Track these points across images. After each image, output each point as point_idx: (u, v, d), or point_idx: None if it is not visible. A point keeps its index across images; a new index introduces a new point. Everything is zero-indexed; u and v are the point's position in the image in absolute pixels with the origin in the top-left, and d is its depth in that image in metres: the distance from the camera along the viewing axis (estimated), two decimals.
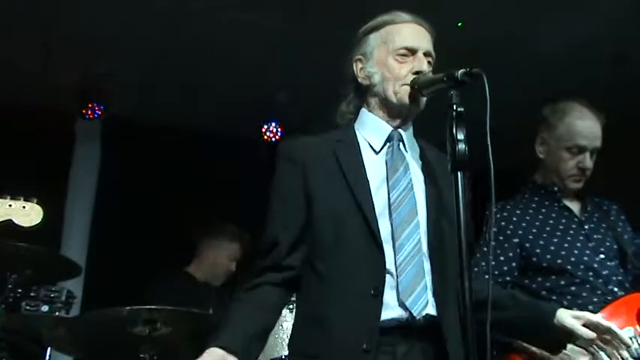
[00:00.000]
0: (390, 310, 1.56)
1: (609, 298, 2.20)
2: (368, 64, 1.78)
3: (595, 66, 4.58)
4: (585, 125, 2.30)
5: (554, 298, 2.20)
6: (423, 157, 1.79)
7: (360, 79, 1.80)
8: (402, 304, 1.56)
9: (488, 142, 1.49)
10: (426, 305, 1.57)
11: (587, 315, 1.70)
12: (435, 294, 1.60)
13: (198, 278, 3.89)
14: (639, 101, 4.78)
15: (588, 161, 2.31)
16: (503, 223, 2.29)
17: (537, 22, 4.32)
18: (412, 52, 1.75)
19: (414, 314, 1.55)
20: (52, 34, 4.48)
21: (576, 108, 2.33)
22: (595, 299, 2.19)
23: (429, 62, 1.76)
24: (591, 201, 2.40)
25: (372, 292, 1.55)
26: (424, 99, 1.75)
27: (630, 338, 2.10)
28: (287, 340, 2.81)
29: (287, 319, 2.87)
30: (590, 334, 1.68)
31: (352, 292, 1.57)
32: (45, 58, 4.73)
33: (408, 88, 1.72)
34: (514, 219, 2.30)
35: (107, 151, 5.37)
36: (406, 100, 1.73)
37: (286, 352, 2.80)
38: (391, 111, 1.77)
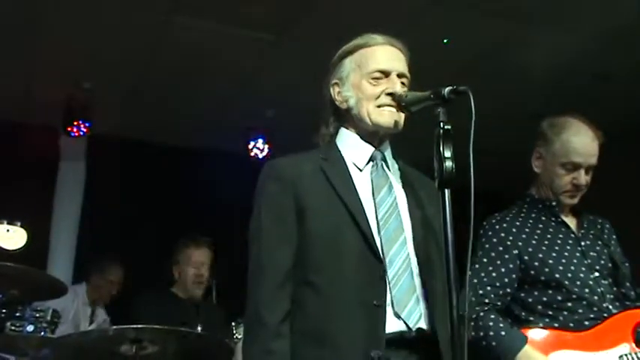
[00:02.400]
0: (388, 323, 1.57)
1: (605, 314, 2.18)
2: (344, 87, 1.81)
3: (577, 83, 4.65)
4: (582, 142, 2.28)
5: (550, 313, 2.19)
6: (403, 177, 1.82)
7: (337, 103, 1.82)
8: (397, 317, 1.57)
9: (471, 160, 1.50)
10: (420, 318, 1.59)
11: None
12: (426, 308, 1.62)
13: (182, 297, 3.88)
14: (619, 119, 4.85)
15: (583, 178, 2.29)
16: (502, 235, 2.27)
17: (521, 39, 4.38)
18: (386, 74, 1.77)
19: (410, 326, 1.57)
20: (37, 51, 4.47)
21: (574, 124, 2.31)
22: (591, 315, 2.18)
23: (402, 83, 1.77)
24: (587, 217, 2.39)
25: (375, 302, 1.56)
26: (401, 121, 1.77)
27: (625, 355, 2.12)
28: None
29: None
30: None
31: (355, 304, 1.57)
32: (30, 76, 4.72)
33: (386, 111, 1.75)
34: (514, 230, 2.28)
35: (92, 169, 5.34)
36: (379, 119, 1.75)
37: None
38: (367, 131, 1.79)
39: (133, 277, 4.72)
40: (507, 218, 2.33)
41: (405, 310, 1.57)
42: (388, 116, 1.75)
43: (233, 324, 2.99)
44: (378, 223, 1.66)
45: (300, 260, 1.65)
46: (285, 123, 5.06)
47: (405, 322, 1.57)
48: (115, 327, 2.56)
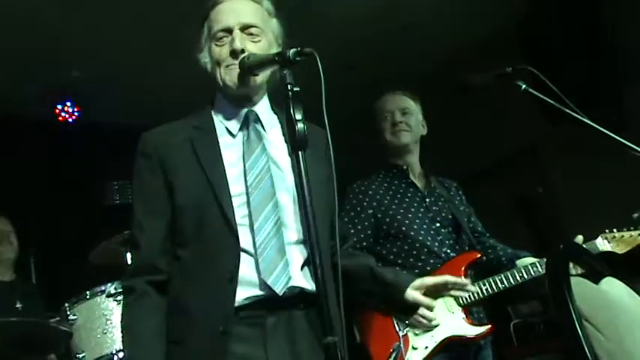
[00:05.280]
0: (253, 289, 1.60)
1: (444, 259, 2.55)
2: (203, 54, 1.79)
3: (383, 34, 4.90)
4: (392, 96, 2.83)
5: (399, 261, 2.54)
6: (284, 131, 1.77)
7: (206, 70, 1.80)
8: (263, 283, 1.59)
9: (326, 120, 1.54)
10: (288, 280, 1.61)
11: (426, 281, 1.86)
12: (300, 267, 1.64)
13: None
14: (421, 69, 5.24)
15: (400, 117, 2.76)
16: (361, 197, 2.66)
17: None
18: (229, 31, 1.73)
19: (277, 291, 1.59)
20: None
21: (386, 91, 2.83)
22: (432, 261, 2.54)
23: (250, 34, 1.73)
24: (435, 179, 2.79)
25: (228, 276, 1.59)
26: (255, 82, 1.74)
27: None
28: (117, 335, 2.70)
29: (114, 313, 2.74)
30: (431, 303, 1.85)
31: (210, 277, 1.61)
32: None
33: (233, 70, 1.71)
34: (370, 193, 2.67)
35: None
36: (234, 82, 1.72)
37: (117, 348, 2.69)
38: (229, 94, 1.76)
39: None
40: (366, 183, 2.71)
41: (272, 277, 1.59)
42: (236, 78, 1.71)
43: (67, 305, 2.79)
44: (247, 190, 1.65)
45: (172, 235, 1.68)
46: (94, 84, 4.72)
47: (271, 288, 1.58)
48: None
